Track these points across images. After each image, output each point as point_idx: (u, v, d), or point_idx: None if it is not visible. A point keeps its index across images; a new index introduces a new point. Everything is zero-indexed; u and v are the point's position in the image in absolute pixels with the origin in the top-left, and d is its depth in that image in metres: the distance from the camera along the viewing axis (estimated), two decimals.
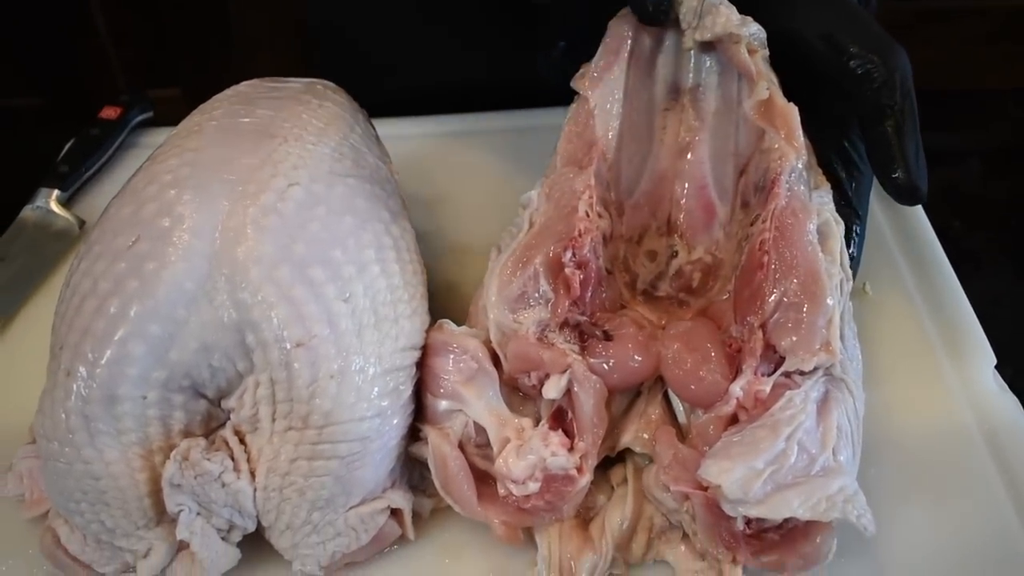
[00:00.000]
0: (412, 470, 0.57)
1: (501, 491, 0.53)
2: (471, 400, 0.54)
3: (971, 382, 0.64)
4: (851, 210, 0.63)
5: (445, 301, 0.60)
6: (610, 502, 0.55)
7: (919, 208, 0.76)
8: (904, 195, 0.58)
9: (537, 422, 0.54)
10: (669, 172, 0.63)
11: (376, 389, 0.52)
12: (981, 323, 0.67)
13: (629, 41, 0.61)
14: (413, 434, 0.56)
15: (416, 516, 0.56)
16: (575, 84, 0.62)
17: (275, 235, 0.52)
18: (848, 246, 0.60)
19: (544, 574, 0.53)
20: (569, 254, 0.55)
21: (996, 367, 0.65)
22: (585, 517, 0.55)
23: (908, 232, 0.75)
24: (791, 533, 0.50)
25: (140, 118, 0.88)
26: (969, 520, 0.56)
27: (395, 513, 0.54)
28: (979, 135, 0.93)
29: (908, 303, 0.70)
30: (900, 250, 0.74)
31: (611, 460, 0.57)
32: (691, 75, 0.62)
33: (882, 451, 0.59)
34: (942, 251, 0.73)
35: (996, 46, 1.70)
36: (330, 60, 0.87)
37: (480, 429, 0.54)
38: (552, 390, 0.53)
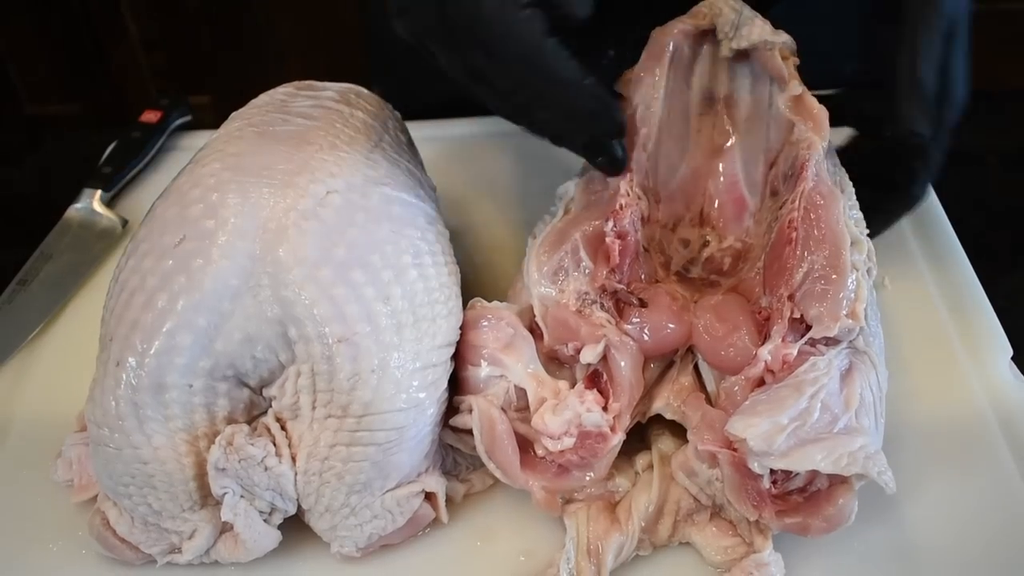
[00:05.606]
0: (446, 456, 0.58)
1: (539, 451, 0.54)
2: (510, 364, 0.55)
3: (988, 372, 0.65)
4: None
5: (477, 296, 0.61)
6: (636, 487, 0.56)
7: (938, 205, 0.77)
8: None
9: (574, 386, 0.55)
10: (703, 169, 0.64)
11: (415, 383, 0.53)
12: (999, 317, 0.68)
13: (670, 49, 0.62)
14: (445, 423, 0.56)
15: (449, 500, 0.57)
16: (619, 87, 0.63)
17: (316, 238, 0.53)
18: None
19: (572, 554, 0.54)
20: (611, 224, 0.57)
21: (1012, 358, 0.65)
22: (611, 500, 0.56)
23: (927, 227, 0.76)
24: (814, 496, 0.51)
25: (179, 122, 0.90)
26: (984, 503, 0.57)
27: (429, 497, 0.56)
28: (1000, 134, 0.93)
29: (927, 296, 0.71)
30: (919, 245, 0.75)
31: (636, 447, 0.58)
32: (725, 84, 0.64)
33: (901, 437, 0.60)
34: (960, 246, 0.74)
35: (1018, 48, 1.69)
36: (385, 62, 0.89)
37: (520, 393, 0.55)
38: (589, 354, 0.54)
